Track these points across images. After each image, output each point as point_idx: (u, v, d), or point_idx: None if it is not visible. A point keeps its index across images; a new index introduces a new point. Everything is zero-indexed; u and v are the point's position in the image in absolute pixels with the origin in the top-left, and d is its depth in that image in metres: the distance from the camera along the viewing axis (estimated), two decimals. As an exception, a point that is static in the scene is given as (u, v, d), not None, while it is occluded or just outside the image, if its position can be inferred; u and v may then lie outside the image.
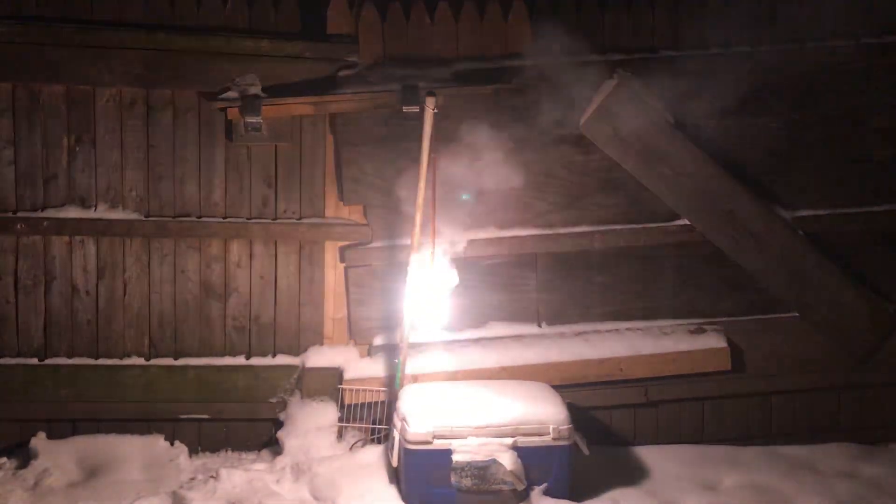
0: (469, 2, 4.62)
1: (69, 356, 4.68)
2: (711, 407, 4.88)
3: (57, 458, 4.50)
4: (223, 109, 4.55)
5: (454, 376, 4.62)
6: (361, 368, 4.70)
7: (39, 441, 4.57)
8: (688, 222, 4.80)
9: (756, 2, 4.73)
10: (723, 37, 4.70)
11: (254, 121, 4.50)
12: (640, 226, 4.79)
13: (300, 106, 4.56)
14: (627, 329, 4.81)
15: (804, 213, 4.84)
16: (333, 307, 4.76)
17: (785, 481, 4.47)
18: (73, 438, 4.61)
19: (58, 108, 4.57)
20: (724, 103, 4.71)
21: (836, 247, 4.85)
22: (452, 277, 4.48)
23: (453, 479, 4.14)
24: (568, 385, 4.66)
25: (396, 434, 4.27)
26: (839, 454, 4.72)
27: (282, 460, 4.56)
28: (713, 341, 4.81)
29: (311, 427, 4.62)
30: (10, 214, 4.58)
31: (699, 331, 4.84)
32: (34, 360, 4.66)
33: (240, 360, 4.74)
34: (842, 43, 4.75)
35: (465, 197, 4.48)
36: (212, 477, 4.49)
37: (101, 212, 4.62)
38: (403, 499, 4.21)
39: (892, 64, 4.78)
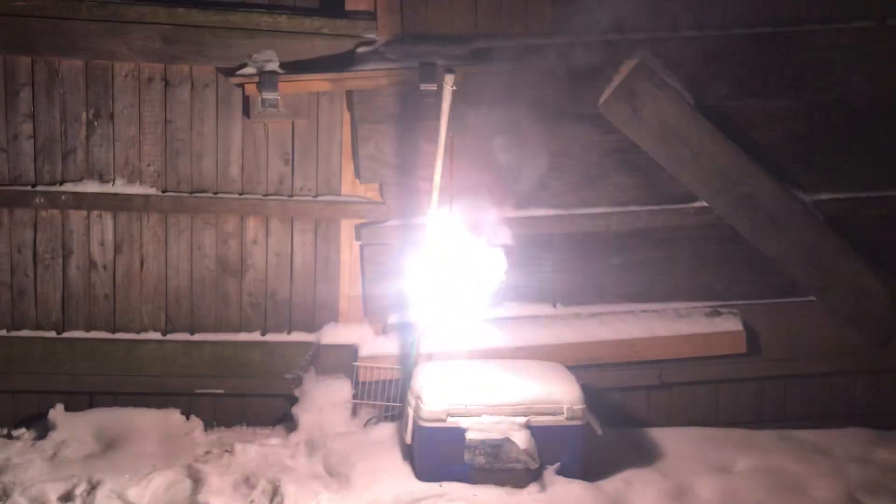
0: (489, -21, 4.59)
1: (87, 330, 4.72)
2: (726, 390, 4.87)
3: (74, 429, 4.55)
4: (241, 85, 4.55)
5: (469, 355, 4.62)
6: (376, 346, 4.71)
7: (58, 413, 4.61)
8: (706, 204, 4.77)
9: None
10: (743, 16, 4.64)
11: (271, 97, 4.49)
12: (658, 207, 4.76)
13: (318, 82, 4.55)
14: (643, 310, 4.80)
15: (824, 196, 4.80)
16: (349, 285, 4.77)
17: (799, 465, 4.46)
18: (90, 411, 4.66)
19: (76, 82, 4.58)
20: (745, 84, 4.67)
21: (855, 231, 4.81)
22: (480, 258, 4.47)
23: (467, 456, 4.15)
24: (582, 365, 4.66)
25: (410, 411, 4.29)
26: (854, 439, 4.71)
27: (296, 436, 4.59)
28: (729, 324, 4.79)
29: (326, 403, 4.64)
30: (29, 188, 4.61)
31: (715, 313, 4.82)
32: (52, 334, 4.70)
33: (255, 336, 4.76)
34: (865, 24, 4.68)
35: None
36: (227, 451, 4.53)
37: (119, 186, 4.64)
38: (417, 476, 4.23)
39: (915, 46, 4.72)
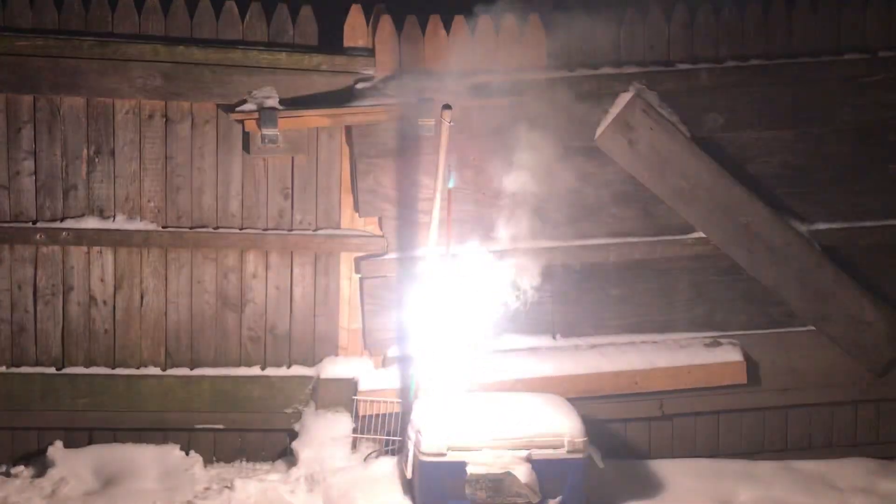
0: (485, 15, 4.64)
1: (86, 366, 4.71)
2: (727, 420, 4.86)
3: (73, 466, 4.53)
4: (241, 121, 4.59)
5: (469, 388, 4.61)
6: (376, 379, 4.71)
7: (56, 450, 4.60)
8: (703, 235, 4.80)
9: (772, 15, 4.73)
10: (737, 49, 4.70)
11: (271, 133, 4.53)
12: (656, 238, 4.79)
13: (317, 118, 4.59)
14: (643, 342, 4.80)
15: (821, 226, 4.82)
16: (348, 318, 4.77)
17: (801, 496, 4.44)
18: (89, 447, 4.64)
19: (77, 119, 4.62)
20: (740, 116, 4.72)
21: (852, 260, 4.83)
22: (479, 291, 4.48)
23: (468, 491, 4.13)
24: (583, 397, 4.65)
25: (411, 446, 4.27)
26: (856, 469, 4.69)
27: (296, 471, 4.57)
28: (729, 355, 4.79)
29: (326, 438, 4.63)
30: (30, 225, 4.63)
31: (715, 344, 4.82)
32: (52, 370, 4.70)
33: (255, 371, 4.76)
34: (857, 56, 4.74)
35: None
36: (226, 487, 4.50)
37: (120, 222, 4.66)
38: (417, 510, 4.21)
39: (909, 78, 4.78)
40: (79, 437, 4.68)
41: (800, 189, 4.83)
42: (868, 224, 4.84)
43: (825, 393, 4.86)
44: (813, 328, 4.85)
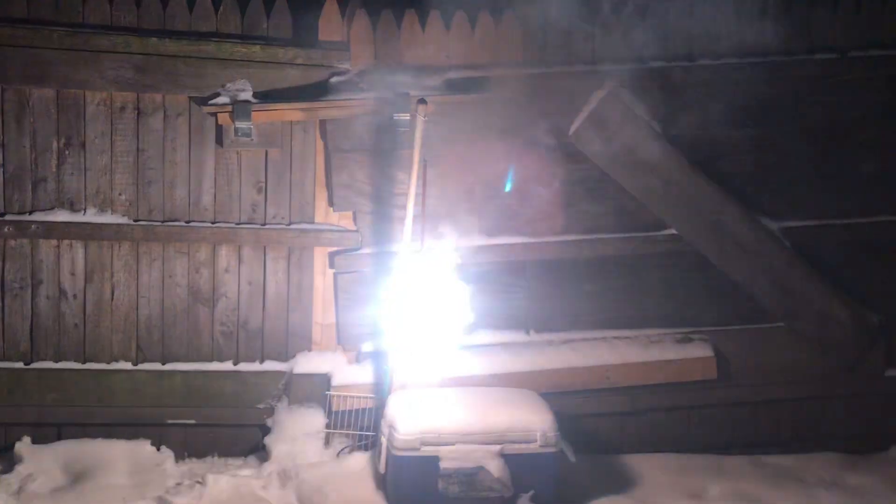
0: (460, 11, 4.64)
1: (56, 360, 4.66)
2: (698, 415, 4.90)
3: (41, 462, 4.47)
4: (214, 114, 4.55)
5: (443, 383, 4.62)
6: (349, 375, 4.70)
7: (24, 446, 4.53)
8: (675, 232, 4.84)
9: (745, 15, 4.78)
10: (709, 48, 4.74)
11: (244, 126, 4.50)
12: (629, 234, 4.82)
13: (291, 112, 4.57)
14: (615, 337, 4.83)
15: (790, 223, 4.88)
16: (322, 313, 4.76)
17: (770, 490, 4.50)
18: (58, 443, 4.59)
19: (47, 111, 4.55)
20: (712, 114, 4.76)
21: (821, 257, 4.89)
22: (453, 286, 4.49)
23: (441, 485, 4.14)
24: (556, 392, 4.67)
25: (384, 441, 4.27)
26: (824, 463, 4.76)
27: (269, 466, 4.55)
28: (700, 350, 4.84)
29: (299, 433, 4.61)
30: (-2, 217, 4.57)
31: (686, 339, 4.87)
32: (20, 364, 4.63)
33: (227, 366, 4.73)
34: (828, 56, 4.80)
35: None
36: (198, 482, 4.47)
37: (90, 216, 4.61)
38: (390, 505, 4.21)
39: (877, 77, 4.84)
40: (47, 432, 4.62)
41: (771, 187, 4.88)
42: (838, 222, 4.90)
43: (794, 388, 4.92)
44: (783, 324, 4.91)
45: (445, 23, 4.64)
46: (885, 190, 4.92)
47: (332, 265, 4.71)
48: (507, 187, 4.55)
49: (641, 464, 4.67)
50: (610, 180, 4.77)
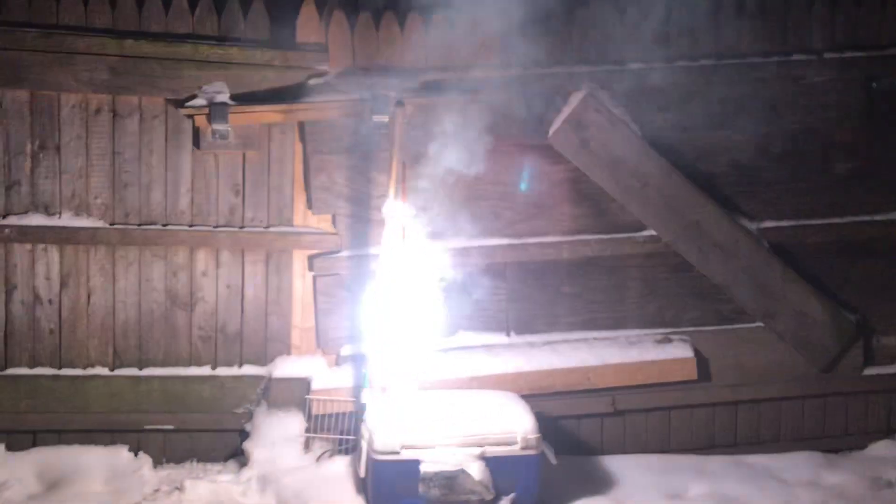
0: (439, 13, 4.63)
1: (30, 366, 4.60)
2: (678, 416, 4.91)
3: (16, 470, 4.42)
4: (191, 117, 4.52)
5: (423, 386, 4.60)
6: (329, 378, 4.67)
7: (-2, 453, 4.49)
8: (655, 233, 4.85)
9: (722, 17, 4.80)
10: (687, 49, 4.76)
11: (221, 128, 4.48)
12: (608, 236, 4.82)
13: (269, 114, 4.54)
14: (595, 339, 4.84)
15: (768, 224, 4.91)
16: (301, 317, 4.73)
17: (750, 490, 4.52)
18: (33, 450, 4.54)
19: (21, 113, 4.50)
20: (690, 116, 4.78)
21: (799, 258, 4.92)
22: (433, 288, 4.48)
23: (421, 489, 4.12)
24: (537, 394, 4.67)
25: (364, 444, 4.25)
26: (803, 462, 4.78)
27: (248, 471, 4.51)
28: (679, 351, 4.85)
29: (278, 438, 4.58)
30: (-30, 221, 4.51)
31: (666, 340, 4.88)
32: (-7, 371, 4.59)
33: (206, 371, 4.69)
34: (804, 57, 4.83)
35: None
36: (176, 488, 4.44)
37: (66, 219, 4.56)
38: (371, 510, 4.19)
39: (852, 79, 4.88)
40: (22, 439, 4.57)
41: (748, 188, 4.90)
42: (815, 222, 4.94)
43: (774, 388, 4.95)
44: (761, 324, 4.93)
45: (424, 24, 4.63)
46: (861, 190, 4.96)
47: (311, 268, 4.69)
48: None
49: (622, 465, 4.67)
50: (589, 182, 4.78)
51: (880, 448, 4.93)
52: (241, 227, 4.66)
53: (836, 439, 4.97)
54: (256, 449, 4.56)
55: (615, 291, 4.87)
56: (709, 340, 4.90)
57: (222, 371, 4.69)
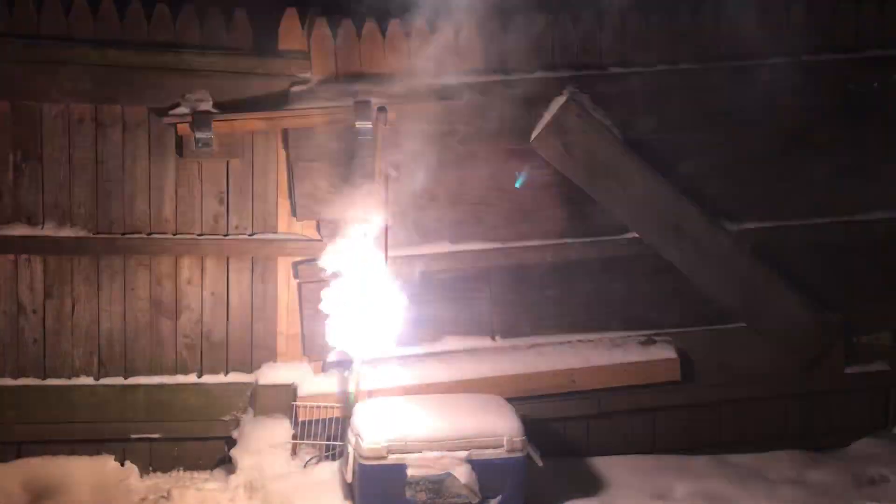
0: (421, 19, 4.66)
1: (14, 377, 4.59)
2: (663, 417, 4.94)
3: (1, 482, 4.38)
4: (174, 125, 4.52)
5: (409, 391, 4.61)
6: (315, 385, 4.68)
7: (-18, 465, 4.47)
8: (637, 235, 4.88)
9: (701, 20, 4.85)
10: (669, 54, 4.80)
11: (204, 136, 4.48)
12: (591, 239, 4.86)
13: (252, 121, 4.55)
14: (579, 341, 4.86)
15: (749, 225, 4.95)
16: (287, 323, 4.73)
17: (735, 489, 4.55)
18: (17, 461, 4.52)
19: (3, 124, 4.49)
20: (671, 118, 4.82)
21: (780, 259, 4.96)
22: (404, 295, 4.49)
23: (408, 493, 4.14)
24: (522, 397, 4.69)
25: (351, 449, 4.26)
26: (787, 461, 4.82)
27: (235, 479, 4.51)
28: (663, 352, 4.88)
29: (265, 445, 4.58)
30: (-47, 232, 4.49)
31: (649, 342, 4.91)
32: (-23, 382, 4.56)
33: (191, 379, 4.68)
34: (784, 60, 4.88)
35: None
36: (163, 497, 4.43)
37: (49, 229, 4.55)
38: (359, 514, 4.19)
39: (830, 81, 4.93)
40: (7, 450, 4.55)
41: (730, 189, 4.94)
42: (795, 223, 4.98)
43: (757, 388, 4.99)
44: (744, 325, 4.97)
45: (405, 31, 4.66)
46: (841, 191, 5.01)
47: (296, 275, 4.69)
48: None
49: (608, 466, 4.70)
50: (572, 185, 4.81)
51: (862, 445, 4.98)
52: (226, 235, 4.66)
53: (819, 437, 5.02)
54: (243, 456, 4.56)
55: (599, 294, 4.90)
56: (693, 341, 4.94)
57: (208, 379, 4.69)
